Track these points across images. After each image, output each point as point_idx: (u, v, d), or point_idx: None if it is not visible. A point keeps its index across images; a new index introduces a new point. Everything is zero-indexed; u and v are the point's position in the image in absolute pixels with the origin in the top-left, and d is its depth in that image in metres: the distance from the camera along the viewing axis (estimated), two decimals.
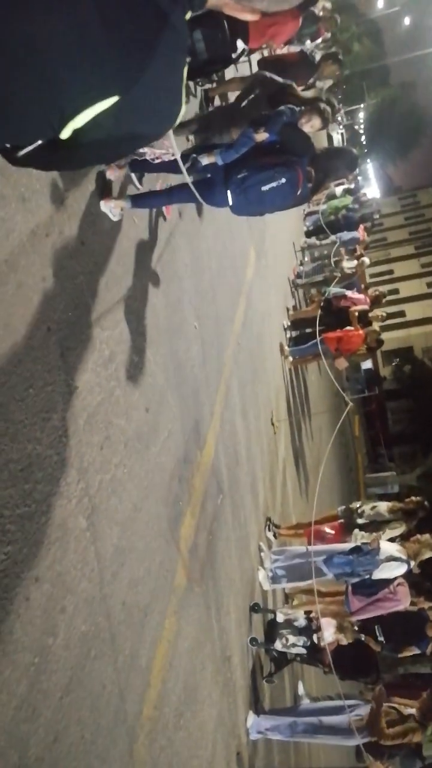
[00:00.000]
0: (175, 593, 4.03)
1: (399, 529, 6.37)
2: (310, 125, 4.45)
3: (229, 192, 4.11)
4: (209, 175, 4.14)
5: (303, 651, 5.81)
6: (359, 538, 6.25)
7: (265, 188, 4.07)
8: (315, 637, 5.76)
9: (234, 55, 4.42)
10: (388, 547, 5.90)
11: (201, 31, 4.01)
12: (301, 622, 5.93)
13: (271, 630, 5.90)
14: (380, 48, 57.92)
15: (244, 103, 4.56)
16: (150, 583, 3.65)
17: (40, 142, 1.00)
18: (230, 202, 4.17)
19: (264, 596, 6.26)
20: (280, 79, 4.52)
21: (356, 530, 6.50)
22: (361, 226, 13.07)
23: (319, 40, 10.66)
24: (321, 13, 5.38)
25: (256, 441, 7.21)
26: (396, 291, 43.40)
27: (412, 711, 5.48)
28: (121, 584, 3.28)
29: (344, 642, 5.73)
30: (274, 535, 6.97)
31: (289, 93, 4.40)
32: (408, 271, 47.15)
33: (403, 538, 6.56)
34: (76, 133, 0.91)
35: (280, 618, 5.99)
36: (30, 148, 1.03)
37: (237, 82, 6.60)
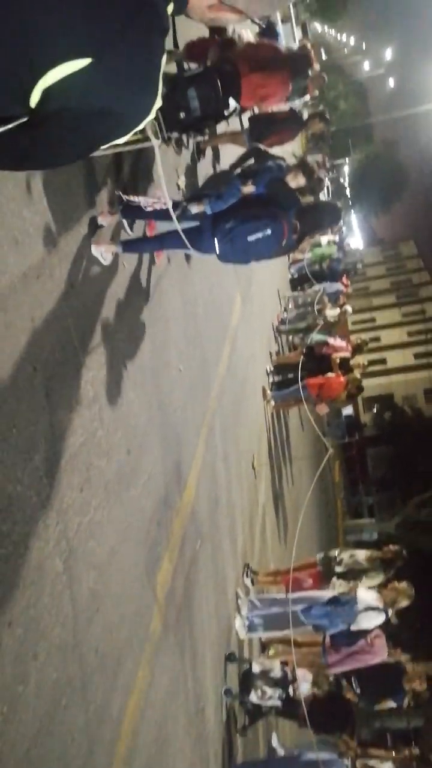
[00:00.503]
0: (150, 641, 3.95)
1: (377, 579, 6.34)
2: (295, 181, 4.63)
3: (216, 240, 4.23)
4: (198, 224, 4.26)
5: (278, 703, 5.68)
6: (337, 587, 6.19)
7: (251, 238, 4.20)
8: (290, 689, 5.64)
9: (226, 112, 4.60)
10: (365, 597, 5.86)
11: (195, 89, 4.19)
12: (277, 673, 5.82)
13: (246, 681, 5.77)
14: (365, 107, 60.45)
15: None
16: (125, 630, 3.58)
17: (10, 126, 0.94)
18: (217, 250, 4.29)
19: (240, 645, 6.15)
20: (274, 155, 4.75)
21: (334, 579, 6.44)
22: (345, 278, 13.38)
23: (307, 98, 11.12)
24: (310, 72, 5.66)
25: (237, 485, 7.19)
26: (378, 339, 44.14)
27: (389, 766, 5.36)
28: (95, 630, 3.21)
29: (319, 693, 5.63)
30: (252, 582, 6.88)
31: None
32: (389, 320, 48.07)
33: (380, 587, 6.53)
34: (45, 96, 0.87)
35: (256, 669, 5.87)
36: (2, 128, 0.94)
37: (227, 136, 6.85)
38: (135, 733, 3.58)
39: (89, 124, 0.94)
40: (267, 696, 5.61)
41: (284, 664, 6.00)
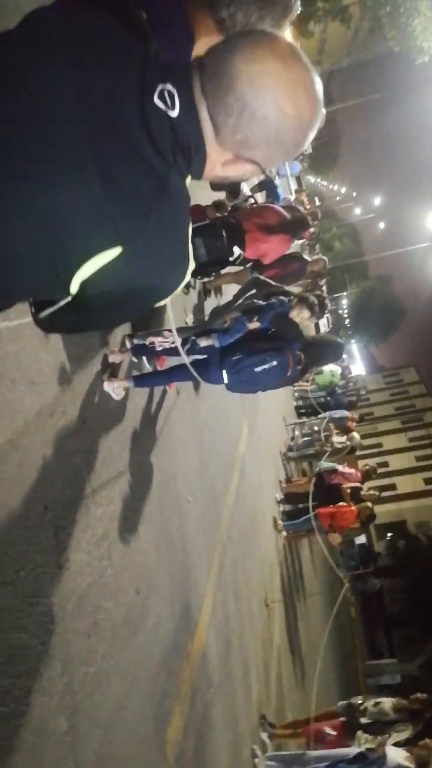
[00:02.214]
0: None
1: (405, 732, 5.80)
2: (300, 317, 4.86)
3: (224, 372, 4.37)
4: (206, 356, 4.43)
5: None
6: (363, 741, 5.65)
7: (257, 369, 4.34)
8: None
9: (231, 258, 4.95)
10: (394, 755, 5.32)
11: (203, 239, 4.54)
12: None
13: None
14: (359, 246, 64.76)
15: (239, 302, 5.01)
16: None
17: (55, 307, 1.02)
18: (225, 381, 4.41)
19: None
20: (272, 282, 5.04)
21: (359, 732, 5.89)
22: (351, 412, 13.55)
23: (304, 241, 11.99)
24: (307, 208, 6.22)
25: (249, 625, 6.80)
26: (386, 464, 43.77)
27: None
28: None
29: None
30: (269, 736, 6.28)
31: (281, 293, 4.85)
32: (396, 445, 47.98)
33: (409, 742, 5.95)
34: (84, 286, 0.92)
35: None
36: (50, 309, 1.04)
37: (231, 276, 7.30)
38: None
39: (128, 300, 1.00)
40: None
41: None
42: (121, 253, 0.90)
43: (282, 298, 4.97)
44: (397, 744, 5.81)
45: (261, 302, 4.82)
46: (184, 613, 4.69)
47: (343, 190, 63.11)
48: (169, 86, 0.94)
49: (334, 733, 6.25)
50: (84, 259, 0.90)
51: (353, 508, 8.99)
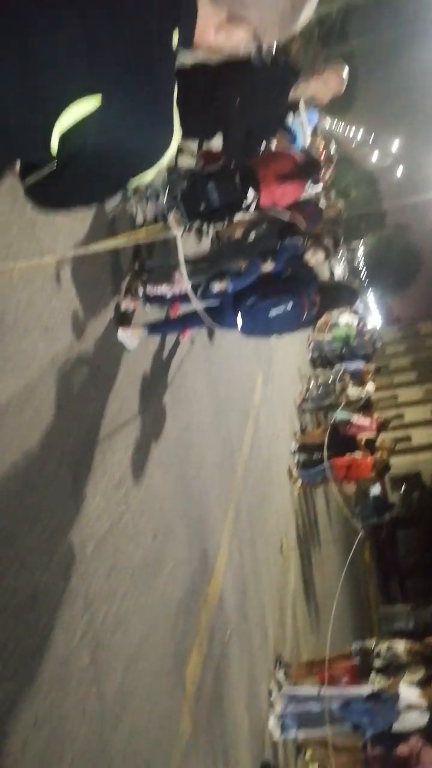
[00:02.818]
0: (180, 742, 3.69)
1: (418, 674, 5.93)
2: (314, 259, 4.76)
3: (238, 316, 4.32)
4: (219, 301, 4.38)
5: None
6: (377, 682, 5.81)
7: (272, 313, 4.29)
8: None
9: (245, 203, 4.82)
10: (407, 695, 5.48)
11: (215, 182, 4.41)
12: None
13: None
14: (376, 194, 63.01)
15: (250, 237, 4.92)
16: (153, 729, 3.37)
17: (40, 176, 1.00)
18: (239, 326, 4.36)
19: (274, 746, 5.72)
20: (285, 217, 4.91)
21: (373, 674, 6.05)
22: (365, 366, 13.48)
23: (320, 187, 11.68)
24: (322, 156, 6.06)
25: (265, 570, 6.95)
26: (401, 416, 43.72)
27: None
28: (123, 731, 3.02)
29: None
30: (285, 675, 6.49)
31: (294, 229, 4.76)
32: (412, 398, 47.78)
33: (422, 683, 6.11)
34: (63, 141, 0.89)
35: None
36: (36, 175, 1.01)
37: (244, 224, 7.15)
38: None
39: (110, 162, 0.95)
40: None
41: None
42: (100, 105, 0.86)
43: (296, 240, 4.86)
44: (409, 684, 5.98)
45: (273, 243, 4.71)
46: (201, 558, 4.79)
47: (360, 134, 61.13)
48: None
49: (348, 675, 6.43)
50: (61, 107, 0.86)
51: (368, 458, 9.04)
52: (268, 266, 4.44)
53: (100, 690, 2.87)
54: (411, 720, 5.52)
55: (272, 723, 5.72)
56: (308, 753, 6.59)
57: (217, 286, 4.32)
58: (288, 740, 6.18)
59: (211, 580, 4.92)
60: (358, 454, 9.04)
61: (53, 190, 1.05)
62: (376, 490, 15.74)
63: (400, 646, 6.60)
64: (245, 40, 0.98)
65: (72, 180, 0.99)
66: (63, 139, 0.89)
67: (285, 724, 5.82)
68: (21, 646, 2.35)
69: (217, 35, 0.97)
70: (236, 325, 4.37)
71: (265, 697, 5.82)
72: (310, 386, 14.15)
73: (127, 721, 3.08)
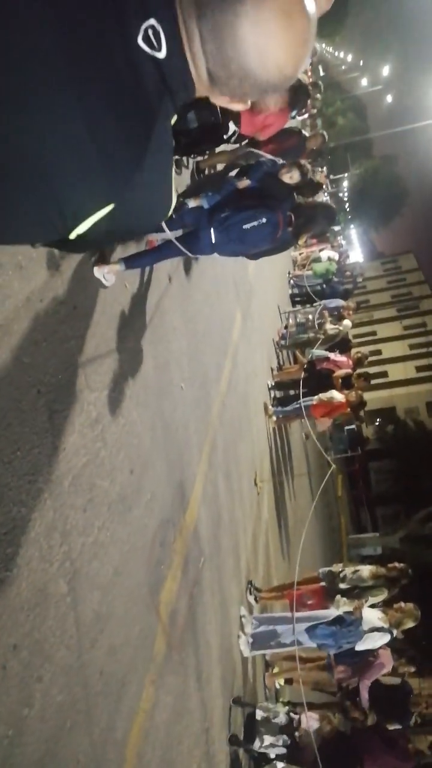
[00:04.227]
0: (154, 661, 3.94)
1: (381, 596, 6.30)
2: (289, 176, 4.68)
3: (212, 230, 4.27)
4: (194, 220, 4.33)
5: (283, 751, 5.59)
6: (341, 605, 6.17)
7: (246, 226, 4.24)
8: (296, 735, 5.57)
9: (225, 136, 4.69)
10: (370, 616, 5.84)
11: (195, 112, 4.27)
12: (281, 719, 5.73)
13: (251, 727, 5.66)
14: (364, 122, 61.03)
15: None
16: (129, 651, 3.58)
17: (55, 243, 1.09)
18: (213, 240, 4.31)
19: (244, 663, 6.11)
20: (267, 155, 4.80)
21: (338, 596, 6.41)
22: (345, 303, 13.44)
23: (306, 115, 11.32)
24: (309, 102, 5.83)
25: (239, 502, 7.19)
26: (379, 352, 44.21)
27: None
28: (99, 652, 3.21)
29: (326, 733, 5.57)
30: (255, 599, 6.86)
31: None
32: (390, 333, 48.18)
33: (385, 604, 6.49)
34: (79, 236, 0.98)
35: (260, 715, 5.77)
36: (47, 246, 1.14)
37: (226, 155, 6.95)
38: (140, 755, 3.56)
39: (118, 234, 1.08)
40: (270, 744, 5.52)
41: (292, 706, 5.93)
42: (112, 209, 0.92)
43: (273, 158, 4.77)
44: (373, 607, 6.36)
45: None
46: (177, 490, 4.94)
47: (350, 58, 58.57)
48: (154, 22, 0.86)
49: (315, 597, 6.80)
50: (81, 219, 0.92)
51: (343, 400, 9.17)
52: (243, 183, 4.38)
53: (77, 615, 3.03)
54: (373, 639, 5.92)
55: (242, 642, 6.09)
56: (276, 668, 7.06)
57: (192, 202, 4.29)
58: (257, 658, 6.60)
59: (186, 511, 5.10)
60: (333, 394, 9.15)
61: (61, 246, 1.15)
62: (350, 424, 16.11)
63: (365, 570, 6.96)
64: (243, 104, 1.06)
65: (82, 246, 1.09)
66: (78, 236, 0.98)
67: (254, 642, 6.20)
68: None
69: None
70: (210, 243, 4.29)
71: (237, 620, 6.16)
72: (289, 323, 14.17)
73: (104, 644, 3.27)
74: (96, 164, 0.87)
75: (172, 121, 0.98)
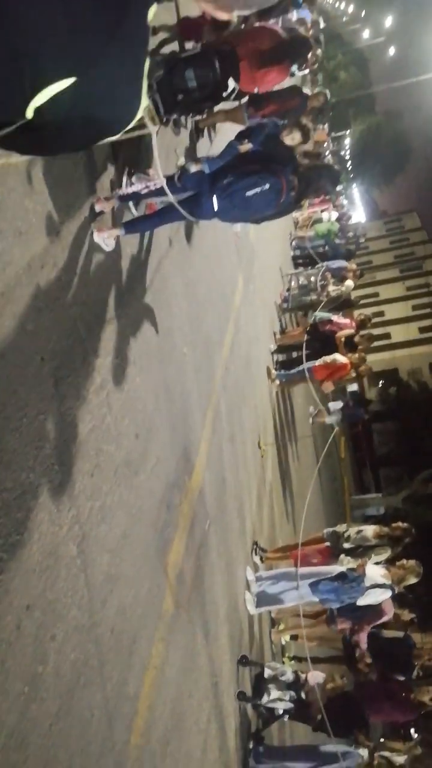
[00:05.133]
0: (163, 619, 4.05)
1: (384, 555, 6.40)
2: (291, 138, 4.59)
3: (214, 197, 4.20)
4: (196, 184, 4.26)
5: (291, 706, 5.77)
6: (345, 563, 6.28)
7: (249, 193, 4.17)
8: (303, 692, 5.75)
9: (225, 94, 4.57)
10: (373, 573, 5.95)
11: (193, 70, 4.16)
12: (289, 676, 5.90)
13: (258, 685, 5.83)
14: (366, 77, 59.31)
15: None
16: (138, 609, 3.68)
17: (12, 128, 1.03)
18: (216, 207, 4.25)
19: (250, 620, 6.27)
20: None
21: (342, 556, 6.53)
22: (348, 264, 13.29)
23: (306, 70, 10.99)
24: (309, 56, 5.67)
25: (243, 465, 7.27)
26: (382, 313, 43.94)
27: (403, 761, 5.51)
28: (110, 611, 3.30)
29: (332, 692, 5.75)
30: (261, 559, 6.99)
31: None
32: (393, 294, 47.79)
33: (388, 562, 6.61)
34: (38, 112, 0.94)
35: (267, 673, 5.94)
36: (7, 130, 1.05)
37: (225, 114, 6.79)
38: (151, 708, 3.69)
39: (80, 128, 1.02)
40: (279, 699, 5.70)
41: (297, 661, 6.08)
42: (74, 83, 0.89)
43: (275, 119, 4.66)
44: (376, 564, 6.48)
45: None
46: (183, 454, 5.00)
47: (351, 8, 56.57)
48: None
49: (320, 556, 6.92)
50: (38, 88, 0.89)
51: (347, 361, 9.16)
52: (245, 146, 4.29)
53: (87, 577, 3.10)
54: (375, 595, 6.04)
55: (248, 599, 6.23)
56: (281, 625, 7.24)
57: (193, 167, 4.20)
58: (263, 614, 6.76)
59: (192, 474, 5.16)
60: (337, 357, 9.13)
61: (24, 143, 1.10)
62: (353, 386, 16.12)
63: (369, 530, 7.06)
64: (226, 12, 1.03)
65: (43, 138, 1.05)
66: (37, 111, 0.94)
67: (260, 599, 6.34)
68: (10, 541, 2.51)
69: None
70: (213, 209, 4.23)
71: (242, 579, 6.30)
72: (291, 285, 14.07)
73: (114, 603, 3.36)
74: (63, 27, 0.86)
75: (151, 14, 0.97)
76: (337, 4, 55.66)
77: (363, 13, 54.75)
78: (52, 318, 3.15)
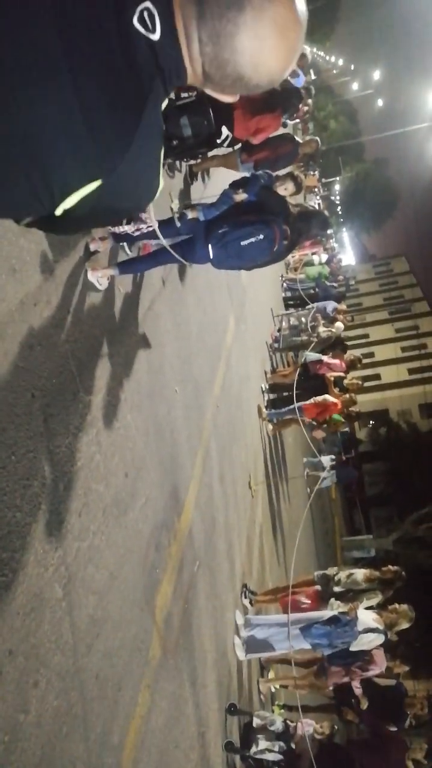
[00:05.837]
0: (150, 666, 3.93)
1: (375, 599, 6.32)
2: (284, 188, 4.71)
3: (210, 246, 4.28)
4: (191, 235, 4.34)
5: (280, 757, 5.59)
6: (335, 607, 6.18)
7: (244, 243, 4.26)
8: (292, 743, 5.59)
9: (218, 141, 4.70)
10: (365, 618, 5.84)
11: (188, 117, 4.28)
12: (278, 726, 5.74)
13: (247, 734, 5.66)
14: (355, 126, 61.34)
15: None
16: (124, 655, 3.57)
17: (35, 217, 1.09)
18: (211, 256, 4.33)
19: (239, 667, 6.11)
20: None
21: (332, 600, 6.43)
22: (338, 305, 13.48)
23: (298, 121, 11.37)
24: (302, 106, 5.88)
25: (234, 506, 7.19)
26: (372, 354, 44.35)
27: None
28: (95, 657, 3.21)
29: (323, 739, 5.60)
30: (251, 602, 6.85)
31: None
32: (383, 336, 48.34)
33: (380, 606, 6.51)
34: (65, 211, 0.97)
35: (256, 722, 5.77)
36: (29, 219, 1.11)
37: (219, 159, 6.97)
38: (136, 761, 3.55)
39: (103, 216, 1.09)
40: (268, 750, 5.53)
41: (287, 710, 5.92)
42: (99, 186, 0.92)
43: (268, 171, 4.80)
44: (368, 609, 6.37)
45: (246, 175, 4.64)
46: (172, 494, 4.94)
47: (341, 62, 58.87)
48: (149, 4, 0.89)
49: (309, 600, 6.80)
50: (67, 193, 0.93)
51: (337, 400, 9.21)
52: (240, 196, 4.39)
53: (72, 620, 3.02)
54: (367, 640, 5.92)
55: (237, 645, 6.08)
56: (271, 672, 7.05)
57: (190, 214, 4.29)
58: (252, 661, 6.59)
59: (181, 515, 5.09)
60: (327, 398, 9.18)
61: (47, 227, 1.16)
62: (343, 426, 16.11)
63: (359, 574, 6.98)
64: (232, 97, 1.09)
65: (66, 226, 1.10)
66: (64, 212, 0.98)
67: (249, 645, 6.18)
68: None
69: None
70: (208, 257, 4.31)
71: (231, 623, 6.15)
72: (282, 326, 14.20)
73: (99, 648, 3.26)
74: (86, 138, 0.88)
75: (163, 105, 1.00)
76: (327, 58, 57.83)
77: (352, 66, 56.94)
78: (44, 355, 3.15)
